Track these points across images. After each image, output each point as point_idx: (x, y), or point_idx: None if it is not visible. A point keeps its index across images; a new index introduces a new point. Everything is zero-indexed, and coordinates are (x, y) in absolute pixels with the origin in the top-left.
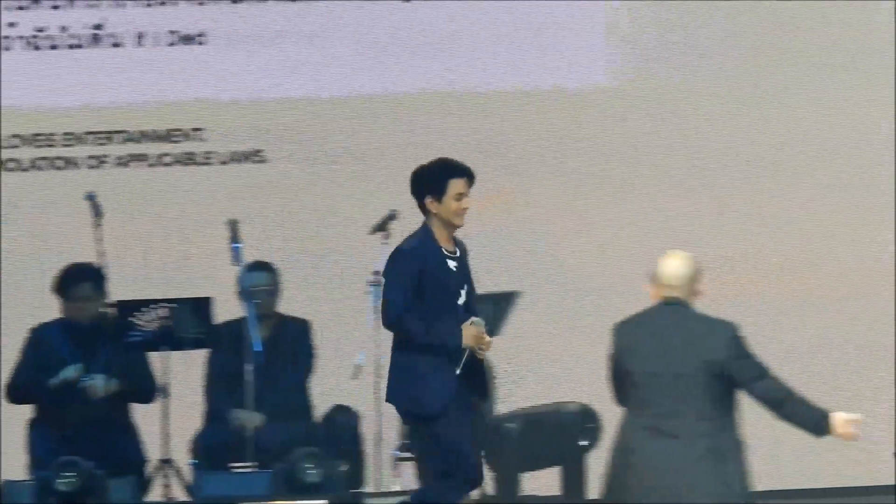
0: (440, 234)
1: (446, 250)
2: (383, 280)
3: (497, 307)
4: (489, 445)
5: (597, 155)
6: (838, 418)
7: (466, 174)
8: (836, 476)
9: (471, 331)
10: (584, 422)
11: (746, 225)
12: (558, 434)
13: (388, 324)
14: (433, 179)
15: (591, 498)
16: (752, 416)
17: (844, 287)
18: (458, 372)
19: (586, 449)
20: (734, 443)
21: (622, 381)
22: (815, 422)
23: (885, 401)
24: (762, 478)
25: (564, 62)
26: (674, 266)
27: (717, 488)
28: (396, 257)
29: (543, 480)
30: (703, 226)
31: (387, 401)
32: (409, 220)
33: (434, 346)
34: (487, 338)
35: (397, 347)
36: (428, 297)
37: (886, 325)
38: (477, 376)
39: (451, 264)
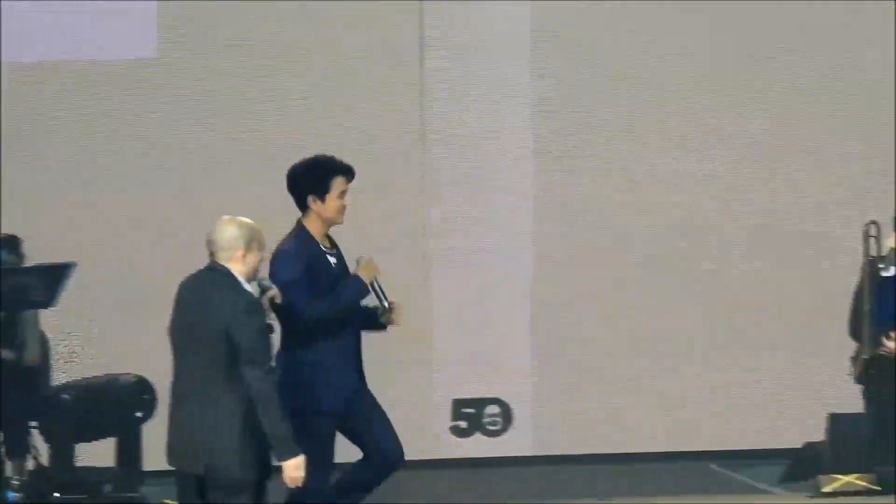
0: (317, 232)
1: (323, 247)
2: (273, 286)
3: (51, 278)
4: (44, 417)
5: (150, 127)
6: (292, 463)
7: (348, 172)
8: None
9: (361, 265)
10: (140, 393)
11: None
12: (114, 405)
13: (300, 322)
14: (316, 178)
15: (146, 469)
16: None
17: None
18: (387, 305)
19: (141, 420)
20: (234, 414)
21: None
22: (278, 446)
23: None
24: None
25: (114, 36)
26: (217, 230)
27: (207, 458)
28: (282, 259)
29: (99, 450)
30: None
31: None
32: None
33: (347, 307)
34: (372, 259)
35: (296, 348)
36: (313, 295)
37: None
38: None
39: (332, 260)
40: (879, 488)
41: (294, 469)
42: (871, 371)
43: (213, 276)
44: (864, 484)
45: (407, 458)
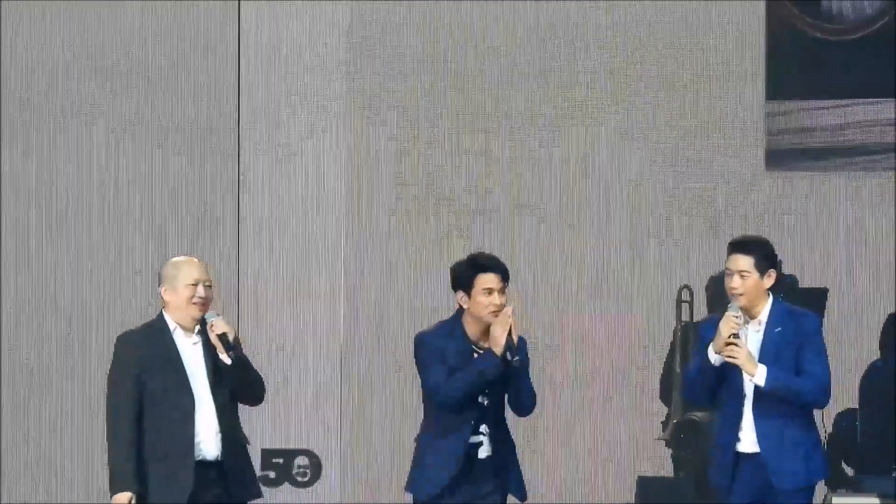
0: (472, 328)
1: (475, 345)
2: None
3: None
4: None
5: None
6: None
7: (494, 269)
8: None
9: (496, 330)
10: None
11: None
12: None
13: (440, 407)
14: (463, 275)
15: None
16: None
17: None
18: (515, 360)
19: None
20: None
21: None
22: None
23: None
24: None
25: None
26: None
27: None
28: (419, 343)
29: None
30: None
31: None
32: None
33: (484, 371)
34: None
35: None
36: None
37: None
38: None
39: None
40: None
41: None
42: (681, 434)
43: None
44: None
45: None
